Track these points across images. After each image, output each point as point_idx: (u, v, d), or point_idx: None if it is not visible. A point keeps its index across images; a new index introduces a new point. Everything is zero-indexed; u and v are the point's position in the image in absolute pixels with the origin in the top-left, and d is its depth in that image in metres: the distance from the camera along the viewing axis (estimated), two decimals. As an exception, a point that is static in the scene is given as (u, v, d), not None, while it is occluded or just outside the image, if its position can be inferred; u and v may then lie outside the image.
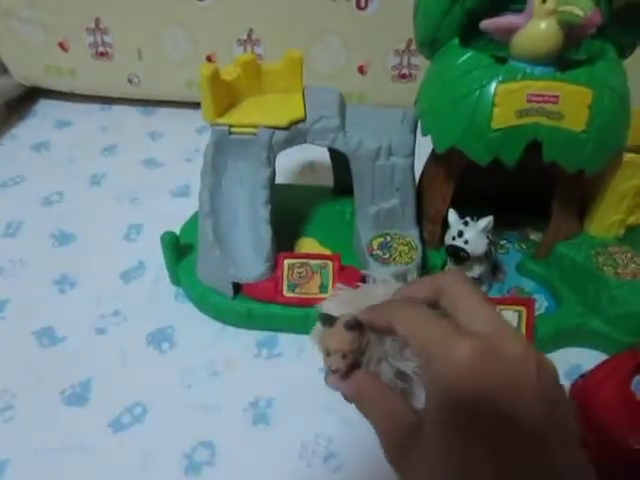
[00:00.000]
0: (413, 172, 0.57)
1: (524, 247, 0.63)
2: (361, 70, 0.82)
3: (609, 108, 0.46)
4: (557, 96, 0.45)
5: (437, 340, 0.24)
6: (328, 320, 0.34)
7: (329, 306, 0.34)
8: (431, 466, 0.24)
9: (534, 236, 0.64)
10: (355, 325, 0.32)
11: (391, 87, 0.83)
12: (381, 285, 0.37)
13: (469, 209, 0.55)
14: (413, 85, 0.82)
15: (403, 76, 0.83)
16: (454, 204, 0.56)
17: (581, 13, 0.43)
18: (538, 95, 0.45)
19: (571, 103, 0.45)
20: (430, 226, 0.59)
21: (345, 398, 0.32)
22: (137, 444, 0.48)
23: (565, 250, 0.56)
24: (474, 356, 0.23)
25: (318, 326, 0.33)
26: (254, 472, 0.46)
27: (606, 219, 0.56)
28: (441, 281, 0.28)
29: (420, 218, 0.59)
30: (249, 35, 0.81)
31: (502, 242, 0.64)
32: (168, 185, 0.76)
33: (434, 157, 0.56)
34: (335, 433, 0.49)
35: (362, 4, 0.77)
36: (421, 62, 0.81)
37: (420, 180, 0.59)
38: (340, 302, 0.34)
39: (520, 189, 0.60)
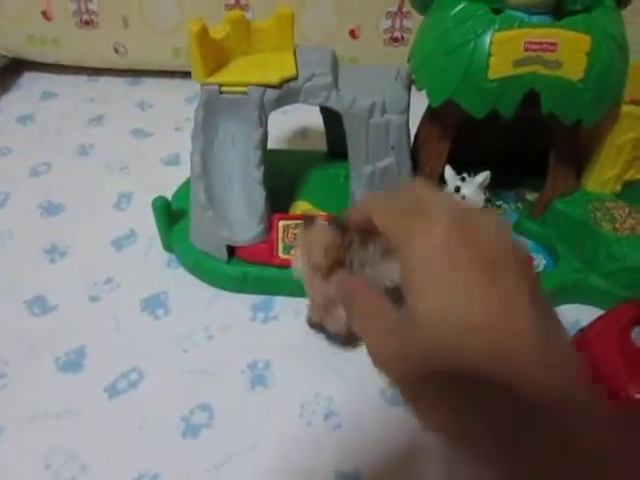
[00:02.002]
0: (408, 129, 0.55)
1: (520, 207, 0.63)
2: (353, 34, 0.81)
3: (607, 56, 0.45)
4: (555, 44, 0.44)
5: (412, 224, 0.24)
6: (310, 220, 0.35)
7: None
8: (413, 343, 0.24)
9: (530, 196, 0.63)
10: (336, 219, 0.31)
11: (383, 51, 0.82)
12: None
13: (464, 170, 0.54)
14: (405, 49, 0.80)
15: (395, 39, 0.81)
16: (449, 162, 0.55)
17: (578, -44, 0.42)
18: (536, 43, 0.44)
19: (569, 51, 0.44)
20: (426, 186, 0.58)
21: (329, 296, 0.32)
22: (134, 409, 0.47)
23: (562, 207, 0.56)
24: (450, 234, 0.23)
25: (301, 232, 0.32)
26: (253, 433, 0.46)
27: (603, 174, 0.55)
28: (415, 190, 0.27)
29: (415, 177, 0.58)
30: (237, 0, 0.79)
31: (498, 203, 0.63)
32: (158, 154, 0.75)
33: (429, 114, 0.55)
34: (335, 392, 0.48)
35: (352, -36, 0.75)
36: (413, 25, 0.79)
37: (415, 139, 0.58)
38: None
39: (515, 148, 0.59)
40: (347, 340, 0.49)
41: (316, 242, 0.33)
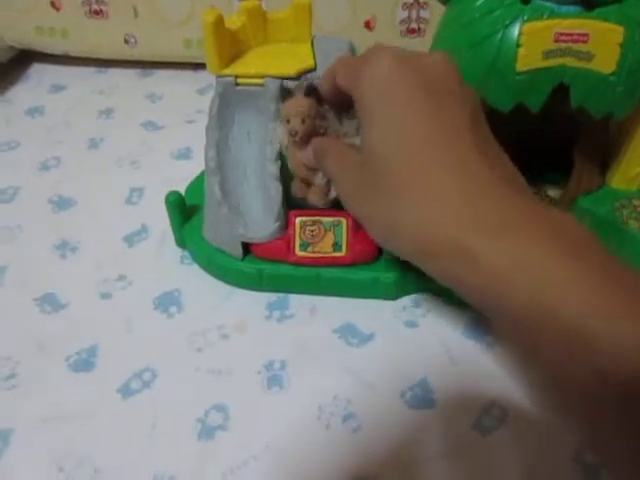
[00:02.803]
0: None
1: (542, 204, 0.61)
2: (368, 25, 0.79)
3: (641, 48, 0.43)
4: (587, 34, 0.42)
5: (361, 65, 0.26)
6: (287, 92, 0.39)
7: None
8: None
9: (552, 192, 0.62)
10: (311, 91, 0.34)
11: (400, 43, 0.80)
12: None
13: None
14: (422, 40, 0.79)
15: (412, 31, 0.79)
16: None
17: (613, -57, 0.40)
18: (567, 34, 0.42)
19: (601, 42, 0.42)
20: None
21: (306, 161, 0.34)
22: (148, 409, 0.46)
23: (586, 204, 0.54)
24: (397, 65, 0.25)
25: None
26: (270, 435, 0.44)
27: (630, 170, 0.53)
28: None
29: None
30: (250, -10, 0.77)
31: (519, 199, 0.62)
32: (169, 147, 0.73)
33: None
34: (353, 394, 0.47)
35: (368, -46, 0.73)
36: (431, 16, 0.77)
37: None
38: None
39: (535, 143, 0.57)
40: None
41: (294, 111, 0.36)
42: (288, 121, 0.36)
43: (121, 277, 0.57)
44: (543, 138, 0.55)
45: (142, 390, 0.48)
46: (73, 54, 0.87)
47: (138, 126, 0.77)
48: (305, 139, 0.34)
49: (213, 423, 0.45)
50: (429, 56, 0.25)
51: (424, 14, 0.77)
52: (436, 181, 0.23)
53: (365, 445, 0.44)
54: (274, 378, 0.48)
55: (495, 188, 0.22)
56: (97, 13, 0.82)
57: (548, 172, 0.62)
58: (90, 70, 0.89)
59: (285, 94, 0.36)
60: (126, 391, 0.48)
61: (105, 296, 0.55)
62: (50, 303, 0.54)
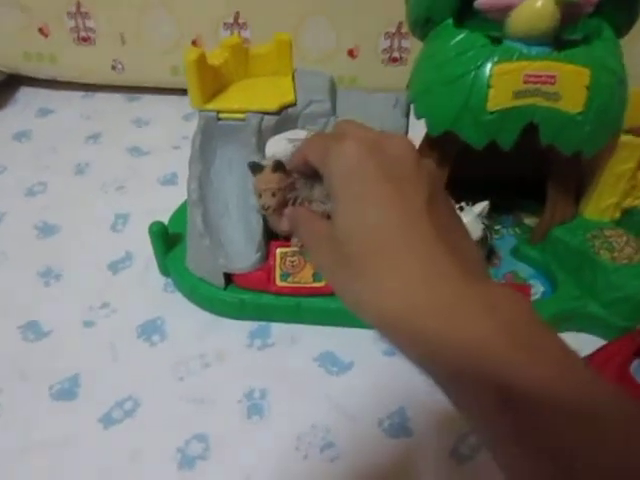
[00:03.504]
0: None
1: (518, 231, 0.62)
2: (351, 54, 0.81)
3: (607, 88, 0.45)
4: (554, 76, 0.44)
5: (329, 146, 0.27)
6: (256, 167, 0.40)
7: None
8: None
9: (528, 220, 0.63)
10: (279, 166, 0.36)
11: (382, 71, 0.82)
12: None
13: (463, 193, 0.54)
14: (404, 68, 0.80)
15: (394, 59, 0.81)
16: (448, 188, 0.55)
17: (578, -10, 0.42)
18: (535, 76, 0.44)
19: (569, 83, 0.44)
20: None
21: (282, 230, 0.36)
22: (129, 439, 0.47)
23: (560, 234, 0.56)
24: (360, 151, 0.26)
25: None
26: (249, 466, 0.45)
27: (602, 202, 0.55)
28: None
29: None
30: (236, 19, 0.79)
31: (496, 227, 0.63)
32: (155, 173, 0.74)
33: (428, 141, 0.55)
34: (332, 423, 0.48)
35: (351, -15, 0.75)
36: (412, 45, 0.79)
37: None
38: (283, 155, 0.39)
39: (514, 172, 0.59)
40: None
41: (264, 186, 0.38)
42: (260, 195, 0.38)
43: (105, 305, 0.58)
44: (518, 171, 0.57)
45: (123, 420, 0.48)
46: (61, 79, 0.88)
47: (124, 151, 0.79)
48: (278, 210, 0.37)
49: (193, 453, 0.46)
50: (390, 139, 0.27)
51: (405, 43, 0.79)
52: (392, 264, 0.25)
53: (343, 475, 0.45)
54: (254, 407, 0.49)
55: (448, 274, 0.24)
56: (85, 40, 0.83)
57: (525, 201, 0.64)
58: (78, 94, 0.90)
59: (255, 168, 0.38)
60: (108, 420, 0.48)
61: (88, 324, 0.56)
62: (33, 331, 0.55)
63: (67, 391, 0.50)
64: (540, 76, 0.44)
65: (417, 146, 0.55)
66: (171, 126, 0.83)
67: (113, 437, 0.47)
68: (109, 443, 0.47)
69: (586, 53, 0.44)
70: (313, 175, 0.32)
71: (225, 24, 0.80)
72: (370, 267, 0.25)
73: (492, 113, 0.45)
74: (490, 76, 0.45)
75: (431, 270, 0.24)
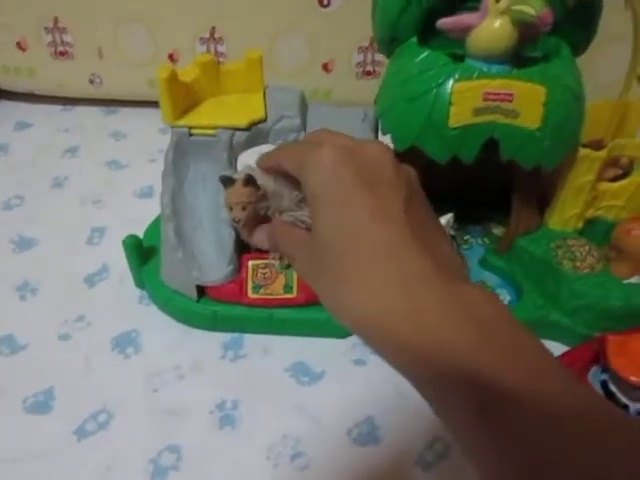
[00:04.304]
0: (376, 170, 0.57)
1: (487, 242, 0.64)
2: (326, 68, 0.82)
3: (563, 105, 0.47)
4: (512, 94, 0.45)
5: (306, 154, 0.28)
6: (228, 181, 0.40)
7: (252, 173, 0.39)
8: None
9: (497, 230, 0.65)
10: (250, 180, 0.37)
11: (356, 84, 0.83)
12: None
13: (433, 205, 0.55)
14: (377, 82, 0.81)
15: (368, 73, 0.83)
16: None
17: (533, 12, 0.43)
18: (494, 94, 0.45)
19: (526, 101, 0.46)
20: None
21: (253, 243, 0.37)
22: (102, 451, 0.48)
23: (525, 244, 0.57)
24: (337, 158, 0.27)
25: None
26: (220, 475, 0.46)
27: (564, 213, 0.57)
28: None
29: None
30: (212, 34, 0.81)
31: (466, 237, 0.65)
32: (132, 186, 0.75)
33: (396, 155, 0.56)
34: (302, 432, 0.49)
35: (324, 1, 0.77)
36: (384, 59, 0.81)
37: (383, 178, 0.60)
38: (257, 173, 0.40)
39: (482, 184, 0.60)
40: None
41: (235, 200, 0.38)
42: (231, 209, 0.39)
43: (80, 318, 0.58)
44: (485, 183, 0.58)
45: (97, 432, 0.49)
46: (39, 93, 0.89)
47: (102, 165, 0.79)
48: (249, 223, 0.38)
49: (166, 463, 0.47)
50: (366, 145, 0.28)
51: (379, 57, 0.81)
52: (370, 267, 0.25)
53: (312, 482, 0.46)
54: (226, 418, 0.50)
55: (424, 276, 0.25)
56: (62, 54, 0.84)
57: (494, 212, 0.65)
58: (56, 108, 0.90)
59: (226, 182, 0.39)
60: (82, 432, 0.49)
61: (64, 337, 0.57)
62: (8, 345, 0.56)
63: (42, 404, 0.51)
64: (499, 94, 0.45)
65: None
66: (148, 139, 0.83)
67: (87, 449, 0.48)
68: (83, 455, 0.47)
69: (542, 71, 0.46)
70: (287, 181, 0.33)
71: (201, 39, 0.81)
72: (349, 271, 0.25)
73: (454, 129, 0.47)
74: (451, 94, 0.46)
75: (408, 272, 0.25)
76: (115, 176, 0.78)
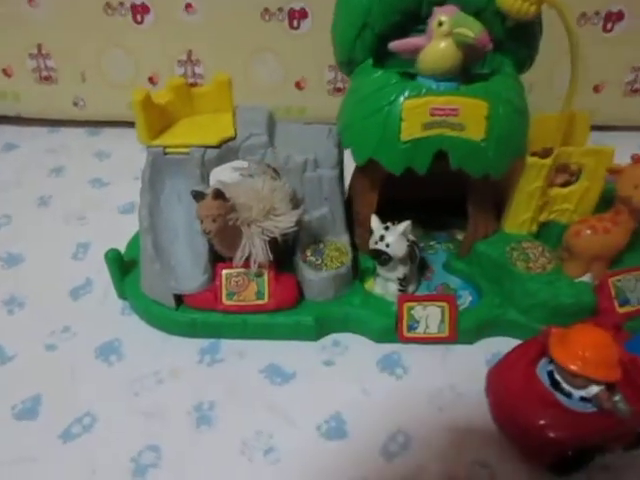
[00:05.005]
0: (341, 182, 0.61)
1: (451, 247, 0.68)
2: (298, 86, 0.86)
3: (505, 118, 0.51)
4: (457, 109, 0.49)
5: None
6: (199, 195, 0.44)
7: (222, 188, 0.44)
8: None
9: (460, 236, 0.68)
10: (219, 194, 0.41)
11: (328, 101, 0.87)
12: (262, 176, 0.52)
13: (397, 212, 0.59)
14: (347, 98, 0.86)
15: (338, 90, 0.87)
16: (385, 209, 0.60)
17: (472, 34, 0.47)
18: (440, 109, 0.49)
19: (470, 115, 0.50)
20: (360, 231, 0.63)
21: (226, 253, 0.43)
22: (86, 452, 0.51)
23: (483, 248, 0.61)
24: None
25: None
26: (197, 470, 0.49)
27: (518, 217, 0.61)
28: None
29: (352, 224, 0.63)
30: (189, 56, 0.85)
31: (431, 243, 0.69)
32: (115, 203, 0.79)
33: (359, 168, 0.60)
34: (275, 429, 0.52)
35: (294, 24, 0.81)
36: (354, 76, 0.85)
37: (349, 189, 0.64)
38: (228, 186, 0.44)
39: (443, 193, 0.64)
40: None
41: (205, 212, 0.42)
42: (202, 221, 0.42)
43: (66, 329, 0.61)
44: (444, 192, 0.62)
45: (82, 434, 0.52)
46: (25, 116, 0.92)
47: (86, 183, 0.83)
48: (219, 234, 0.41)
49: (146, 462, 0.50)
50: None
51: (348, 75, 0.85)
52: None
53: (283, 476, 0.49)
54: (203, 418, 0.53)
55: None
56: (47, 79, 0.88)
57: (458, 219, 0.69)
58: (42, 130, 0.94)
59: (198, 196, 0.43)
60: (67, 436, 0.52)
61: (50, 348, 0.60)
62: (-3, 356, 0.59)
63: (28, 410, 0.54)
64: (444, 109, 0.49)
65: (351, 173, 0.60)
66: (130, 158, 0.87)
67: (72, 451, 0.51)
68: (68, 457, 0.50)
69: (485, 88, 0.50)
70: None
71: (179, 61, 0.85)
72: None
73: (405, 143, 0.51)
74: (401, 110, 0.50)
75: None
76: (98, 194, 0.81)
